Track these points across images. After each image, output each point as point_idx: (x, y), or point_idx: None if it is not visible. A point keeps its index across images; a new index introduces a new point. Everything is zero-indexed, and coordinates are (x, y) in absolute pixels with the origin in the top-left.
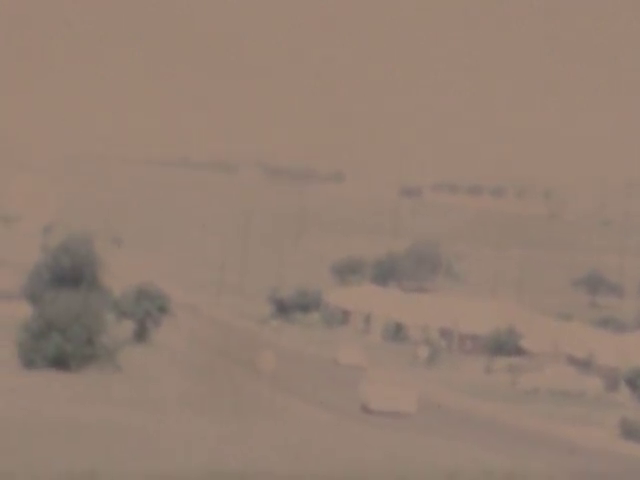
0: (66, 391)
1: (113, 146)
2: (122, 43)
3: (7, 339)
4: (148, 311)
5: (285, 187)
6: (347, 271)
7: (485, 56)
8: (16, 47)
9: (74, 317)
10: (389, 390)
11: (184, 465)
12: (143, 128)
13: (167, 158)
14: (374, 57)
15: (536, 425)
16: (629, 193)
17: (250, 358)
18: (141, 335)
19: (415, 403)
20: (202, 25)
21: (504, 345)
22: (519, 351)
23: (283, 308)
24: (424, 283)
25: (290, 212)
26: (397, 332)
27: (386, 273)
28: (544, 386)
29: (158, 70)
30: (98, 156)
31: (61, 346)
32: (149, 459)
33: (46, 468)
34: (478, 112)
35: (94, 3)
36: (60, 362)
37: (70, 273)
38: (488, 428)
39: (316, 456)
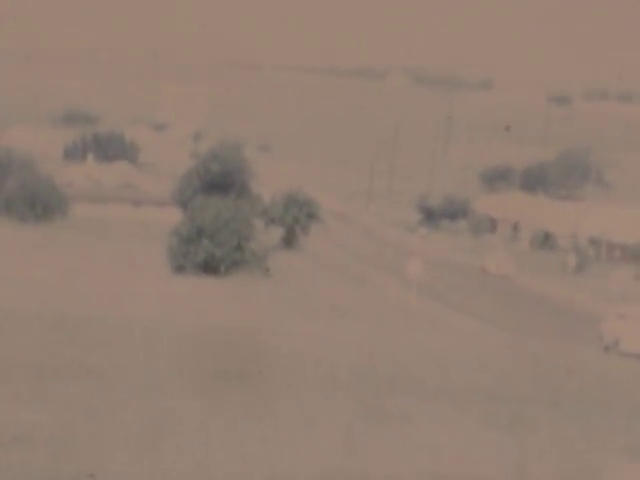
0: (214, 295)
1: (261, 53)
2: None
3: (157, 244)
4: (297, 218)
5: (433, 94)
6: (495, 179)
7: None
8: None
9: (223, 223)
10: None
11: (334, 367)
12: (290, 35)
13: (314, 65)
14: None
15: None
16: None
17: (398, 265)
18: (289, 241)
19: None
20: None
21: None
22: None
23: (431, 216)
24: (573, 191)
25: (438, 119)
26: (545, 240)
27: (535, 181)
28: None
29: None
30: (246, 63)
31: (210, 251)
32: (300, 364)
33: (195, 372)
34: (627, 18)
35: None
36: (209, 267)
37: (220, 179)
38: None
39: (464, 363)
